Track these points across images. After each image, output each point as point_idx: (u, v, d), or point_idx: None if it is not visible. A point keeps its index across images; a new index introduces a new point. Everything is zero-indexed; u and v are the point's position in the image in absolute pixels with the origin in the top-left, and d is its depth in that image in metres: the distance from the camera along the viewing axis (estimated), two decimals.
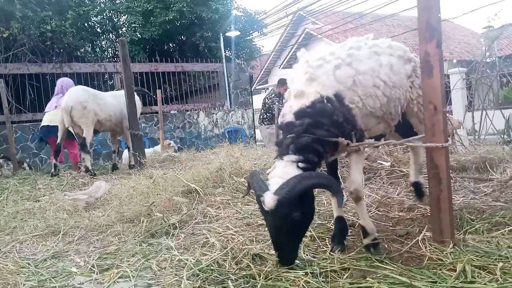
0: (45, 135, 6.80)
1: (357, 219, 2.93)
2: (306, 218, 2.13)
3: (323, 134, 2.14)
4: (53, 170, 6.15)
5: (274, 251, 2.15)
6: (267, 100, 8.62)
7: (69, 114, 5.91)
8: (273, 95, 8.55)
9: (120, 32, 14.52)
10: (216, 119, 12.54)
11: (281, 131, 2.34)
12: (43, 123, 6.82)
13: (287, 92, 2.38)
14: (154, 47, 14.19)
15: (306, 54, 2.46)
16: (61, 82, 7.02)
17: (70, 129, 6.28)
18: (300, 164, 2.09)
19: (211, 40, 14.42)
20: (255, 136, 13.32)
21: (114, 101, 6.64)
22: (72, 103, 5.95)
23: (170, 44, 15.36)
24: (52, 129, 6.53)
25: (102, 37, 14.62)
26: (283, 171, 2.07)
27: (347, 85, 2.29)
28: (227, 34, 14.37)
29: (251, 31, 16.38)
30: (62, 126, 6.09)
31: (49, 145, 6.91)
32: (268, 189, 2.00)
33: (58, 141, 6.19)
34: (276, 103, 8.05)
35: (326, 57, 2.34)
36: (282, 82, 7.99)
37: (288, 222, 2.00)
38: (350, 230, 2.79)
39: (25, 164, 8.00)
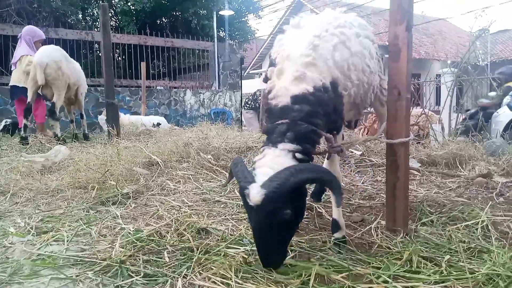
0: (11, 96, 6.51)
1: (312, 202, 2.88)
2: (297, 216, 1.83)
3: (318, 124, 1.92)
4: (22, 132, 5.77)
5: (257, 253, 1.81)
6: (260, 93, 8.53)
7: (43, 71, 5.59)
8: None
9: (112, 1, 14.20)
10: (203, 99, 12.38)
11: (266, 115, 2.05)
12: (10, 83, 6.52)
13: (276, 70, 2.06)
14: (145, 19, 13.89)
15: (301, 25, 2.22)
16: (21, 32, 6.67)
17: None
18: (298, 155, 1.83)
19: (204, 18, 14.16)
20: (241, 120, 13.21)
21: (76, 65, 6.41)
22: (46, 60, 5.65)
23: (162, 19, 15.06)
24: (17, 90, 6.28)
25: (93, 5, 14.27)
26: (274, 161, 1.79)
27: (343, 70, 2.11)
28: (221, 12, 14.13)
29: (247, 13, 16.13)
30: (33, 83, 5.73)
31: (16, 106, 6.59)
32: (254, 180, 1.71)
33: (29, 99, 5.84)
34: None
35: (324, 35, 2.10)
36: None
37: (276, 220, 1.70)
38: (307, 213, 2.74)
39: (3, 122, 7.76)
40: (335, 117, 2.09)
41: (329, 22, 2.23)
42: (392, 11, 2.25)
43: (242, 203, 2.79)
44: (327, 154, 2.37)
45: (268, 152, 1.85)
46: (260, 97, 8.33)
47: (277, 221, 1.71)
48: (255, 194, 1.66)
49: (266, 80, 2.13)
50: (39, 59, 5.65)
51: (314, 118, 1.91)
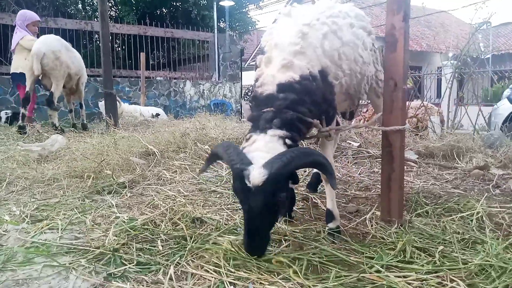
0: (14, 83, 6.42)
1: (308, 193, 2.88)
2: (286, 202, 1.85)
3: (304, 112, 1.92)
4: (20, 121, 5.76)
5: (242, 238, 1.82)
6: None
7: (39, 61, 5.56)
8: None
9: None
10: (203, 90, 12.35)
11: (253, 102, 2.03)
12: (11, 70, 6.44)
13: (264, 58, 2.05)
14: (145, 10, 13.82)
15: (292, 14, 2.22)
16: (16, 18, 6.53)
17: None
18: (287, 141, 1.83)
19: (205, 9, 14.08)
20: (241, 111, 13.18)
21: (77, 54, 6.37)
22: (44, 50, 5.62)
23: (162, 9, 14.98)
24: (16, 76, 6.20)
25: None
26: (267, 146, 1.78)
27: (334, 59, 2.10)
28: (221, 3, 14.03)
29: (247, 3, 16.02)
30: (31, 73, 5.70)
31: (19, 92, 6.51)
32: (251, 163, 1.69)
33: (27, 89, 5.83)
34: None
35: (314, 23, 2.10)
36: None
37: (273, 203, 1.70)
38: (302, 204, 2.74)
39: (2, 113, 7.76)
40: (326, 106, 2.07)
41: (321, 12, 2.23)
42: (389, 1, 2.23)
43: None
44: (317, 139, 2.36)
45: (257, 138, 1.84)
46: None
47: (273, 204, 1.70)
48: (257, 175, 1.63)
49: (256, 68, 2.13)
50: (37, 49, 5.61)
51: (300, 106, 1.91)
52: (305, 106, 1.92)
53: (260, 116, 1.91)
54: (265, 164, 1.66)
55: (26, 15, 6.54)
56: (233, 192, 1.95)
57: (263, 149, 1.77)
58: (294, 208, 2.46)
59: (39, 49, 5.61)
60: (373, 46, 2.55)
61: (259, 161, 1.69)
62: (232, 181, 1.81)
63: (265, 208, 1.68)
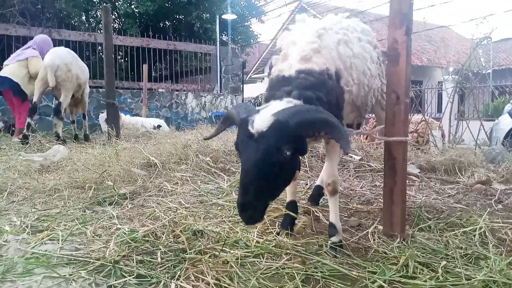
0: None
1: (310, 206, 2.86)
2: (292, 166, 1.67)
3: (321, 97, 1.84)
4: (25, 130, 5.76)
5: (236, 202, 1.65)
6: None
7: (53, 73, 5.62)
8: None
9: (116, 4, 14.24)
10: (205, 102, 12.39)
11: (269, 88, 1.94)
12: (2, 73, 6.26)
13: (281, 55, 2.03)
14: (148, 22, 13.93)
15: (307, 20, 2.26)
16: (36, 38, 6.59)
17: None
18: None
19: (207, 22, 14.19)
20: None
21: (84, 65, 6.44)
22: (58, 62, 5.70)
23: (165, 22, 15.11)
24: (6, 81, 6.10)
25: (97, 7, 14.31)
26: (279, 106, 1.67)
27: (346, 65, 2.10)
28: (223, 16, 14.15)
29: (249, 17, 16.15)
30: (42, 83, 5.76)
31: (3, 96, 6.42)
32: (257, 112, 1.59)
33: (35, 99, 5.86)
34: None
35: (329, 28, 2.14)
36: None
37: (275, 157, 1.52)
38: (304, 217, 2.72)
39: (1, 124, 7.77)
40: (337, 111, 2.00)
41: (333, 23, 2.28)
42: (391, 16, 2.25)
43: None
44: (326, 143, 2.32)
45: (272, 103, 1.73)
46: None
47: (277, 158, 1.54)
48: (262, 119, 1.52)
49: (270, 71, 2.11)
50: (51, 61, 5.70)
51: (318, 92, 1.84)
52: (321, 98, 1.84)
53: (276, 92, 1.84)
54: (274, 112, 1.55)
55: (51, 44, 6.62)
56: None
57: (277, 105, 1.68)
58: (296, 221, 2.44)
59: (53, 62, 5.70)
60: (379, 59, 2.58)
61: (269, 111, 1.59)
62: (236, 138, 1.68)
63: (266, 160, 1.51)
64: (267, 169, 1.54)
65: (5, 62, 6.43)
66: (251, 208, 1.56)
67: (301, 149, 1.67)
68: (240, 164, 1.64)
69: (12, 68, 6.22)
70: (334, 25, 2.26)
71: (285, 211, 2.36)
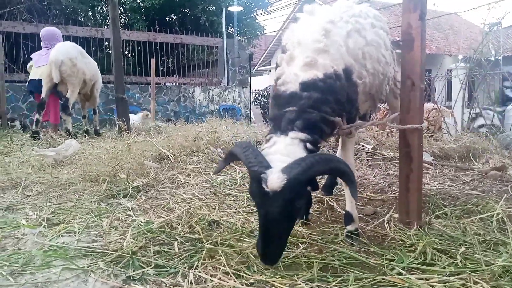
0: (37, 89, 6.29)
1: (324, 195, 2.85)
2: (303, 209, 1.81)
3: (327, 112, 1.86)
4: (34, 126, 5.81)
5: (257, 247, 1.70)
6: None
7: (58, 68, 5.67)
8: None
9: None
10: (212, 95, 12.38)
11: (274, 102, 1.97)
12: (34, 77, 6.37)
13: (286, 56, 2.01)
14: (154, 16, 13.93)
15: (315, 12, 2.18)
16: (43, 34, 6.52)
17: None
18: (308, 145, 1.77)
19: (213, 14, 14.16)
20: (250, 116, 13.17)
21: (92, 61, 6.45)
22: (62, 57, 5.72)
23: (171, 16, 15.09)
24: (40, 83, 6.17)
25: (103, 2, 14.33)
26: (287, 149, 1.73)
27: (358, 58, 2.05)
28: (229, 9, 14.10)
29: (255, 9, 16.08)
30: (49, 80, 5.80)
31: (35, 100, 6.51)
32: (270, 166, 1.62)
33: (43, 95, 5.92)
34: None
35: (337, 21, 2.07)
36: None
37: (291, 209, 1.63)
38: (317, 206, 2.71)
39: (16, 122, 7.85)
40: (349, 106, 2.01)
41: (344, 11, 2.20)
42: (405, 0, 2.21)
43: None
44: (338, 137, 2.32)
45: (277, 140, 1.78)
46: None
47: (291, 211, 1.64)
48: (276, 179, 1.56)
49: (276, 67, 2.09)
50: (55, 57, 5.72)
51: (323, 106, 1.85)
52: (329, 106, 1.87)
53: (282, 116, 1.85)
54: (284, 168, 1.59)
55: (55, 33, 6.58)
56: (249, 195, 1.89)
57: (283, 152, 1.71)
58: (310, 210, 2.43)
59: (57, 57, 5.72)
60: (390, 46, 2.51)
61: (278, 164, 1.62)
62: (248, 184, 1.75)
63: (282, 215, 1.61)
64: (284, 220, 1.65)
65: (34, 64, 6.42)
66: (273, 255, 1.67)
67: (313, 188, 1.77)
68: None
69: (44, 69, 6.16)
70: (344, 13, 2.19)
71: None
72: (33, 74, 6.43)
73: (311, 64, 1.90)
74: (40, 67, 6.31)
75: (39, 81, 6.18)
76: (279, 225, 1.64)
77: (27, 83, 6.79)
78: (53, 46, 6.20)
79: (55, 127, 6.41)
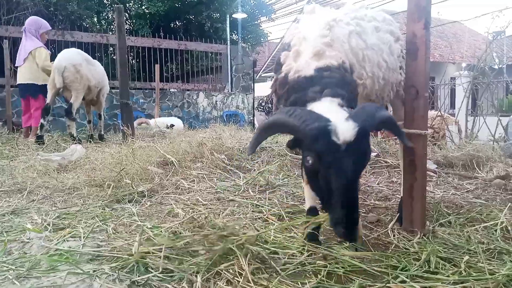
0: (22, 94, 6.36)
1: None
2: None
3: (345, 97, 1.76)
4: (39, 130, 5.86)
5: (329, 222, 1.56)
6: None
7: (61, 74, 5.71)
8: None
9: (127, 5, 14.35)
10: (216, 101, 12.41)
11: (286, 93, 1.84)
12: (18, 81, 6.40)
13: (291, 53, 1.94)
14: (159, 23, 14.02)
15: (316, 11, 2.17)
16: (25, 25, 6.42)
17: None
18: (345, 109, 1.66)
19: (218, 21, 14.23)
20: (253, 122, 13.19)
21: (98, 67, 6.47)
22: (65, 63, 5.77)
23: (176, 22, 15.19)
24: (25, 88, 6.24)
25: (108, 9, 14.45)
26: (331, 108, 1.61)
27: (359, 58, 2.03)
28: (234, 16, 14.18)
29: (259, 16, 16.16)
30: (53, 85, 5.86)
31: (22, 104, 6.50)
32: (329, 119, 1.47)
33: (48, 101, 5.97)
34: None
35: (339, 20, 2.05)
36: None
37: (364, 164, 1.51)
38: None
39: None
40: (354, 104, 1.91)
41: (345, 13, 2.20)
42: (410, 9, 2.23)
43: (257, 201, 2.80)
44: None
45: (315, 105, 1.66)
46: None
47: (364, 163, 1.53)
48: (348, 128, 1.44)
49: (278, 67, 2.02)
50: (58, 63, 5.79)
51: (344, 88, 1.77)
52: (346, 91, 1.78)
53: (306, 95, 1.73)
54: (351, 116, 1.48)
55: (41, 23, 6.52)
56: (306, 164, 1.61)
57: (331, 109, 1.59)
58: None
59: (60, 63, 5.78)
60: (402, 52, 2.42)
61: (336, 116, 1.50)
62: (307, 145, 1.54)
63: (360, 170, 1.49)
64: (357, 177, 1.54)
65: (17, 64, 6.44)
66: (356, 220, 1.54)
67: None
68: (321, 173, 1.55)
69: (24, 71, 6.27)
70: (346, 15, 2.17)
71: (318, 220, 1.98)
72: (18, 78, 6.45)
73: (320, 53, 1.86)
74: (20, 68, 6.36)
75: (25, 85, 6.24)
76: (355, 181, 1.51)
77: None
78: (33, 33, 6.24)
79: (27, 131, 6.29)
